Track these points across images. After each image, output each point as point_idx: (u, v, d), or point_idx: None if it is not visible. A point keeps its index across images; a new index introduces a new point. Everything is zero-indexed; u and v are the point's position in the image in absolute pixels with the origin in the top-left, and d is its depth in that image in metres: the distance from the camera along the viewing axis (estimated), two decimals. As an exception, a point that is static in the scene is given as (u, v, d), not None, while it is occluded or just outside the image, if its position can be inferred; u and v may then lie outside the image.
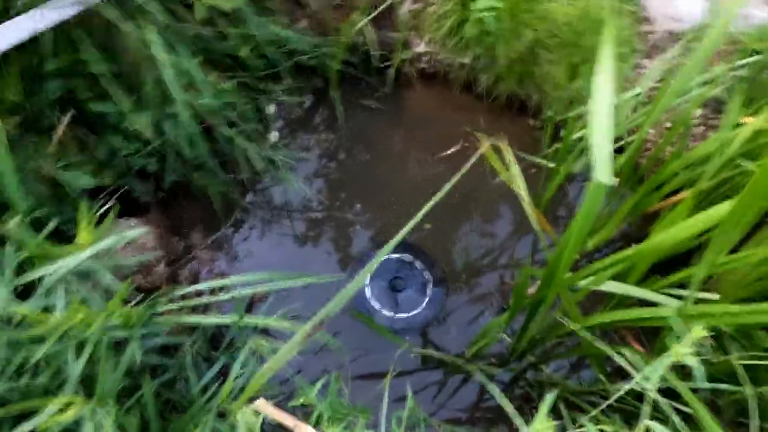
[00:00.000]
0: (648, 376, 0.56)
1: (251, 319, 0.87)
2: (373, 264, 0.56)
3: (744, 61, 1.36)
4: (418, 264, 1.74)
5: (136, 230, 0.78)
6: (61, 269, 0.68)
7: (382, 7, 2.13)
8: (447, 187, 0.58)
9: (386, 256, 1.72)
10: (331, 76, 2.14)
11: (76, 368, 0.64)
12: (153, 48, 1.40)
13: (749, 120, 1.40)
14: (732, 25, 1.73)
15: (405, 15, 2.20)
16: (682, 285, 1.35)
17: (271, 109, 1.92)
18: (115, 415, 0.61)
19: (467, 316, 1.71)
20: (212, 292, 1.11)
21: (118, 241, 0.72)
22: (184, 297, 0.96)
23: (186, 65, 1.50)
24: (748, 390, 0.66)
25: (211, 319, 0.83)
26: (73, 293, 0.70)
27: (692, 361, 0.50)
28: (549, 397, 0.59)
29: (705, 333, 0.51)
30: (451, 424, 1.30)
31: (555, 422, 0.53)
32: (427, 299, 1.67)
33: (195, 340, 0.96)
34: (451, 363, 1.61)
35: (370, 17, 2.03)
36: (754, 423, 0.60)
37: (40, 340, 0.64)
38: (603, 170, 0.87)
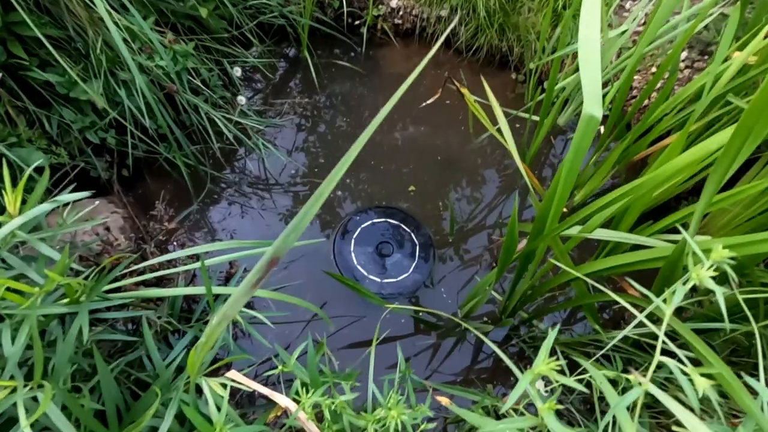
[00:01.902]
0: (654, 313, 0.51)
1: (218, 289, 0.80)
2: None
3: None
4: (404, 228, 1.68)
5: (73, 195, 0.69)
6: (-11, 241, 0.60)
7: (350, -41, 1.99)
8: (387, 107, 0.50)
9: (372, 221, 1.66)
10: (302, 36, 2.02)
11: (12, 349, 0.56)
12: (98, 7, 1.27)
13: (737, 54, 1.33)
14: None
15: (376, -33, 2.07)
16: (672, 231, 1.32)
17: (237, 72, 1.80)
18: (56, 396, 0.54)
19: (457, 277, 1.67)
20: (184, 265, 1.03)
21: (50, 207, 0.64)
22: (150, 270, 0.88)
23: (138, 26, 1.37)
24: (755, 326, 0.62)
25: (169, 290, 0.76)
26: (8, 269, 0.62)
27: (712, 284, 0.44)
28: (549, 337, 0.54)
29: (726, 252, 0.45)
30: (446, 386, 1.26)
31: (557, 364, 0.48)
32: (415, 263, 1.62)
33: (161, 315, 0.89)
34: (443, 324, 1.57)
35: (337, -30, 1.89)
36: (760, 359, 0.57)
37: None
38: (592, 102, 0.80)
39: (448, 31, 1.34)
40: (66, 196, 0.68)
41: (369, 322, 1.54)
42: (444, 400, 0.95)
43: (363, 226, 1.66)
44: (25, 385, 0.56)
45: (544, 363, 0.48)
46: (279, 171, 1.83)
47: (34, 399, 0.56)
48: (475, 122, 1.67)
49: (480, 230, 1.80)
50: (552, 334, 0.54)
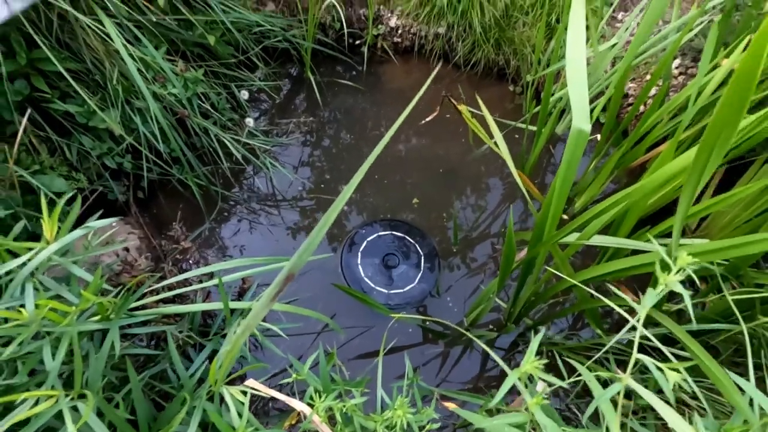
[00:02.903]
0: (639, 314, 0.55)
1: (235, 304, 0.86)
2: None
3: (714, 2, 1.33)
4: (409, 239, 1.73)
5: (104, 220, 0.75)
6: (28, 265, 0.65)
7: (349, -17, 2.08)
8: (396, 125, 0.56)
9: (377, 234, 1.71)
10: (305, 58, 2.10)
11: (52, 363, 0.62)
12: (114, 41, 1.35)
13: (725, 62, 1.38)
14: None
15: (374, -11, 2.15)
16: (670, 235, 1.35)
17: (244, 95, 1.88)
18: (97, 406, 0.59)
19: (462, 286, 1.71)
20: (201, 282, 1.09)
21: (85, 233, 0.69)
22: (168, 288, 0.94)
23: (151, 57, 1.45)
24: (743, 325, 0.65)
25: (190, 306, 0.81)
26: (45, 290, 0.68)
27: (679, 287, 0.49)
28: (536, 338, 0.58)
29: (691, 259, 0.50)
30: (455, 392, 1.30)
31: (546, 365, 0.52)
32: (420, 273, 1.66)
33: (182, 329, 0.94)
34: (450, 333, 1.61)
35: (338, -6, 1.98)
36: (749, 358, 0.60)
37: (11, 341, 0.61)
38: (580, 116, 0.85)
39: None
40: (95, 223, 0.74)
41: (377, 332, 1.58)
42: (450, 405, 0.99)
43: (369, 238, 1.71)
44: (66, 395, 0.61)
45: (530, 362, 0.52)
46: (286, 188, 1.89)
47: (74, 408, 0.61)
48: (474, 134, 1.73)
49: (483, 239, 1.85)
50: (538, 337, 0.58)
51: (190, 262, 1.27)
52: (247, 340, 0.90)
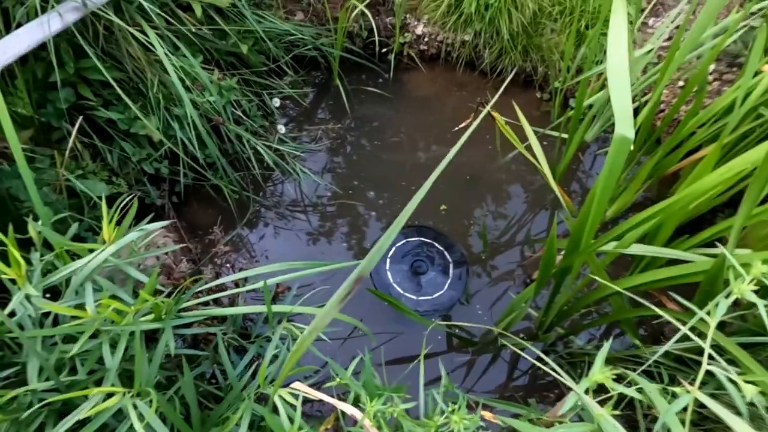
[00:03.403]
0: (699, 326, 0.54)
1: (279, 307, 0.87)
2: (395, 227, 0.55)
3: (758, 6, 1.30)
4: (437, 246, 1.72)
5: (156, 224, 0.78)
6: (88, 266, 0.68)
7: (377, -8, 2.11)
8: (456, 147, 0.56)
9: (405, 240, 1.71)
10: (333, 66, 2.13)
11: (112, 361, 0.64)
12: (156, 50, 1.40)
13: (766, 68, 1.35)
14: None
15: (402, -2, 2.18)
16: (709, 245, 1.32)
17: (276, 103, 1.91)
18: (157, 403, 0.61)
19: (491, 293, 1.70)
20: (236, 285, 1.11)
21: (139, 235, 0.72)
22: (209, 291, 0.96)
23: (189, 65, 1.50)
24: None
25: (239, 308, 0.83)
26: (102, 291, 0.70)
27: (753, 296, 0.48)
28: (605, 345, 0.57)
29: (765, 269, 0.49)
30: (487, 400, 1.28)
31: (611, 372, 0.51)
32: (449, 280, 1.66)
33: (225, 331, 0.96)
34: (479, 341, 1.59)
35: (365, 3, 2.01)
36: None
37: (73, 338, 0.64)
38: (624, 123, 0.84)
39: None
40: (149, 226, 0.77)
41: (406, 338, 1.58)
42: (488, 415, 0.98)
43: (397, 245, 1.71)
44: (127, 393, 0.63)
45: (599, 371, 0.51)
46: (313, 193, 1.92)
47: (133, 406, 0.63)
48: (502, 140, 1.72)
49: (511, 246, 1.83)
50: (606, 345, 0.57)
51: (228, 265, 1.30)
52: (289, 342, 0.91)
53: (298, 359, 0.63)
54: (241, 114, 1.74)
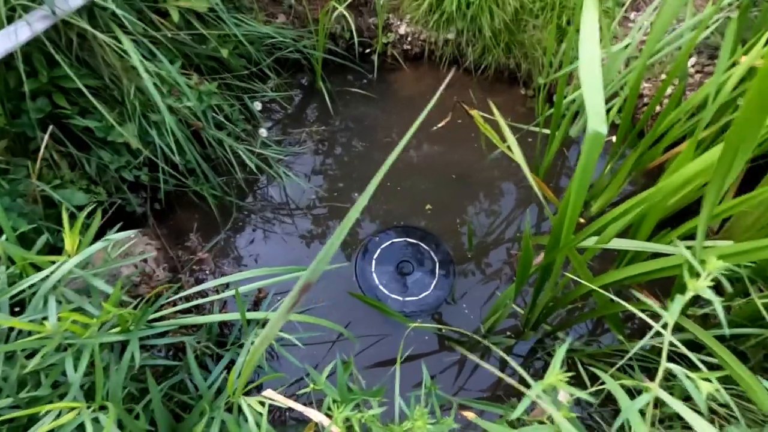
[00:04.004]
0: (665, 319, 0.53)
1: (252, 314, 0.86)
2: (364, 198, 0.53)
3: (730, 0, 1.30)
4: (423, 246, 1.72)
5: (122, 233, 0.77)
6: (51, 278, 0.67)
7: (358, -8, 2.10)
8: (411, 131, 0.55)
9: (391, 241, 1.71)
10: (316, 68, 2.12)
11: (75, 375, 0.63)
12: (131, 57, 1.38)
13: (744, 59, 1.35)
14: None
15: (383, -2, 2.17)
16: (691, 237, 1.31)
17: (257, 106, 1.90)
18: (118, 418, 0.60)
19: (478, 293, 1.69)
20: (217, 291, 1.10)
21: (105, 245, 0.71)
22: (186, 299, 0.95)
23: (166, 71, 1.48)
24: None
25: (210, 317, 0.82)
26: (66, 303, 0.69)
27: (708, 293, 0.47)
28: (561, 349, 0.56)
29: (721, 263, 0.48)
30: (474, 401, 1.28)
31: (569, 376, 0.51)
32: (435, 280, 1.65)
33: (199, 340, 0.95)
34: (467, 340, 1.59)
35: (346, 4, 2.00)
36: None
37: (35, 353, 0.63)
38: (596, 119, 0.84)
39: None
40: (115, 236, 0.76)
41: (393, 340, 1.57)
42: (469, 415, 0.97)
43: (383, 246, 1.71)
44: (88, 407, 0.62)
45: (554, 375, 0.51)
46: (299, 196, 1.90)
47: (95, 420, 0.62)
48: (487, 138, 1.72)
49: (498, 244, 1.83)
50: (563, 348, 0.56)
51: (207, 272, 1.29)
52: (265, 350, 0.89)
53: (253, 366, 0.62)
54: (222, 119, 1.73)
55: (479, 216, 1.88)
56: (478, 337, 1.38)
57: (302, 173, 1.95)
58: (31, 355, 0.66)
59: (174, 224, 1.77)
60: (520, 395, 1.54)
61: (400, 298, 1.61)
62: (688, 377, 0.46)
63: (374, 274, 1.65)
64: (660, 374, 0.48)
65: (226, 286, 1.29)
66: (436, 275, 1.66)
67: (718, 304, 0.49)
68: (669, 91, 1.89)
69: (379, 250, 1.70)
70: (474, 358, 1.25)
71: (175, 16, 1.59)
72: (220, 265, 1.65)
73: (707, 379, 0.45)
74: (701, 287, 0.48)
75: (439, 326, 1.57)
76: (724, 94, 1.22)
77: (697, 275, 0.49)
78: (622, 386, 0.66)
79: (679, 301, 0.49)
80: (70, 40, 1.36)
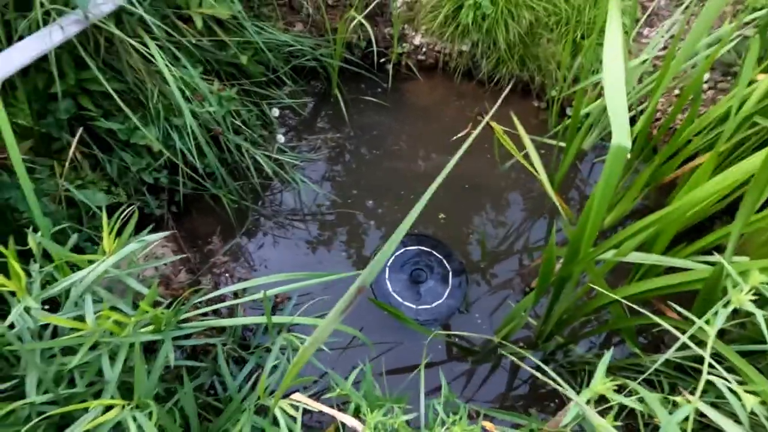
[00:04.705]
0: (699, 334, 0.54)
1: (280, 318, 0.87)
2: (398, 236, 0.55)
3: (751, 17, 1.33)
4: (436, 255, 1.72)
5: (155, 234, 0.78)
6: (88, 277, 0.68)
7: (374, 3, 2.13)
8: (456, 157, 0.57)
9: (404, 249, 1.72)
10: (332, 76, 2.15)
11: (112, 373, 0.64)
12: (156, 61, 1.41)
13: (762, 77, 1.37)
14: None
15: (399, 8, 2.20)
16: (707, 252, 1.32)
17: (275, 113, 1.93)
18: (157, 416, 0.61)
19: (490, 302, 1.70)
20: (236, 295, 1.11)
21: (140, 246, 0.72)
22: (208, 302, 0.96)
23: (189, 76, 1.51)
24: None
25: (239, 320, 0.82)
26: (102, 302, 0.70)
27: (751, 306, 0.48)
28: (604, 358, 0.57)
29: (764, 278, 0.49)
30: (487, 410, 1.28)
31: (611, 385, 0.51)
32: (448, 289, 1.65)
33: (225, 342, 0.96)
34: (479, 350, 1.59)
35: (364, 14, 2.03)
36: None
37: (72, 351, 0.63)
38: (621, 133, 0.85)
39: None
40: (149, 237, 0.77)
41: (406, 348, 1.57)
42: (488, 425, 0.97)
43: (396, 253, 1.72)
44: (127, 405, 0.63)
45: (601, 382, 0.51)
46: (312, 202, 1.92)
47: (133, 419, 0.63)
48: (500, 149, 1.73)
49: (510, 255, 1.83)
50: (608, 355, 0.57)
51: (227, 275, 1.30)
52: (289, 352, 0.90)
53: (299, 370, 0.62)
54: (240, 124, 1.75)
55: (491, 226, 1.89)
56: (495, 343, 1.38)
57: (316, 179, 1.97)
58: (65, 354, 0.67)
59: (190, 227, 1.79)
60: (534, 405, 1.54)
61: (414, 306, 1.61)
62: (731, 390, 0.47)
63: (388, 282, 1.66)
64: (700, 386, 0.49)
65: (244, 290, 1.30)
66: (449, 284, 1.67)
67: (760, 316, 0.50)
68: (682, 107, 1.90)
69: (392, 258, 1.70)
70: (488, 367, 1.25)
71: (199, 23, 1.62)
72: (234, 269, 1.66)
73: (753, 392, 0.45)
74: (744, 300, 0.48)
75: (454, 333, 1.58)
76: (745, 109, 1.23)
77: (738, 288, 0.50)
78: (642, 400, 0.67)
79: (723, 313, 0.50)
80: (97, 44, 1.39)
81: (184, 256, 1.49)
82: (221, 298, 1.16)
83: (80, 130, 1.23)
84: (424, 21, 2.22)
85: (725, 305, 0.50)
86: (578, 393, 0.62)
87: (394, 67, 2.28)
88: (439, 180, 0.53)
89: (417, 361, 1.55)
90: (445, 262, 1.71)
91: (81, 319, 0.71)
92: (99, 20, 1.27)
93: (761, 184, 0.74)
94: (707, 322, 0.58)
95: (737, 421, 0.55)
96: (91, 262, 0.72)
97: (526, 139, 1.30)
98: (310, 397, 1.30)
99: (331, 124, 2.17)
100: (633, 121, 1.75)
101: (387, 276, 1.66)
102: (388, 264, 1.69)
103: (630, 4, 1.79)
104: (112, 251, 0.71)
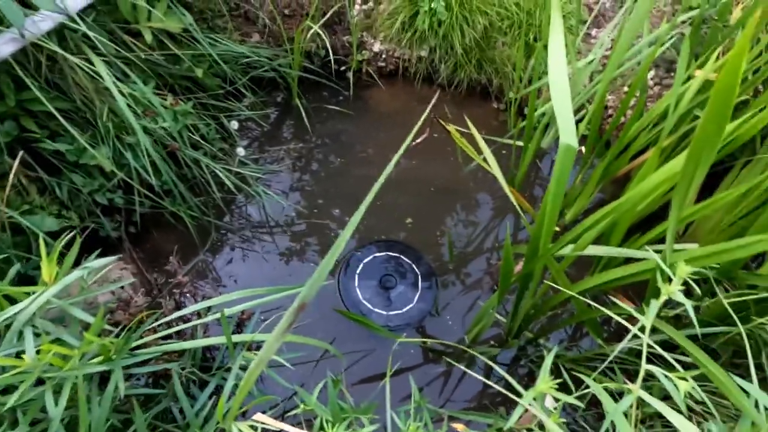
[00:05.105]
0: (643, 322, 0.56)
1: (238, 337, 0.84)
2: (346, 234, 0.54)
3: (684, 17, 1.40)
4: (405, 260, 1.73)
5: (104, 259, 0.75)
6: (28, 310, 0.64)
7: (331, 12, 2.13)
8: (401, 150, 0.57)
9: (373, 255, 1.71)
10: (292, 86, 2.13)
11: (55, 410, 0.60)
12: (103, 79, 1.36)
13: (698, 72, 1.44)
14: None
15: (357, 16, 2.21)
16: (662, 241, 1.38)
17: (234, 125, 1.89)
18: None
19: (461, 303, 1.71)
20: (199, 315, 1.08)
21: (83, 273, 0.69)
22: (169, 324, 0.92)
23: (140, 92, 1.47)
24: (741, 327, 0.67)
25: (194, 342, 0.80)
26: (45, 335, 0.67)
27: (680, 296, 0.50)
28: (548, 357, 0.59)
29: (689, 268, 0.51)
30: (461, 412, 1.29)
31: (557, 382, 0.53)
32: (418, 293, 1.66)
33: (183, 366, 0.93)
34: (452, 352, 1.60)
35: (320, 23, 2.03)
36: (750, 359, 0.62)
37: (12, 388, 0.60)
38: (567, 133, 0.88)
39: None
40: (93, 263, 0.74)
41: (379, 355, 1.57)
42: (460, 427, 0.98)
43: (365, 261, 1.71)
44: (69, 444, 0.59)
45: (544, 382, 0.53)
46: (278, 214, 1.89)
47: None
48: (463, 152, 1.76)
49: (479, 254, 1.86)
50: (550, 355, 0.59)
51: (188, 295, 1.26)
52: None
53: (250, 389, 0.61)
54: (198, 138, 1.71)
55: (458, 227, 1.92)
56: (464, 347, 1.40)
57: (281, 191, 1.95)
58: (6, 392, 0.63)
59: (151, 247, 1.73)
60: (506, 404, 1.56)
61: (385, 313, 1.61)
62: (666, 377, 0.49)
63: (357, 290, 1.65)
64: (641, 376, 0.50)
65: (208, 309, 1.27)
66: (419, 288, 1.68)
67: (689, 305, 0.52)
68: (632, 102, 1.99)
69: (361, 265, 1.70)
70: (461, 368, 1.26)
71: (148, 37, 1.58)
72: (200, 286, 1.61)
73: (684, 378, 0.47)
74: (672, 291, 0.51)
75: (425, 339, 1.58)
76: (683, 105, 1.30)
77: (669, 279, 0.53)
78: (605, 389, 0.69)
79: (655, 305, 0.52)
80: (39, 63, 1.33)
81: (143, 278, 1.43)
82: (184, 319, 1.12)
83: (20, 154, 1.17)
84: (382, 28, 2.24)
85: (657, 297, 0.52)
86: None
87: (355, 75, 2.29)
88: (381, 180, 0.53)
89: (391, 368, 1.54)
90: (414, 266, 1.72)
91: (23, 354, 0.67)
92: (38, 38, 1.22)
93: (687, 177, 0.78)
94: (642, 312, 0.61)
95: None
96: (31, 293, 0.68)
97: (481, 141, 1.33)
98: (280, 415, 1.28)
99: (294, 134, 2.15)
100: (587, 119, 1.82)
101: (357, 284, 1.65)
102: (358, 272, 1.69)
103: (575, 6, 1.86)
104: (53, 281, 0.68)
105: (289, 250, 1.82)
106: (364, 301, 1.62)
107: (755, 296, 0.95)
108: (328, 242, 1.85)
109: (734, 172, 1.62)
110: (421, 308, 1.64)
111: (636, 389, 0.49)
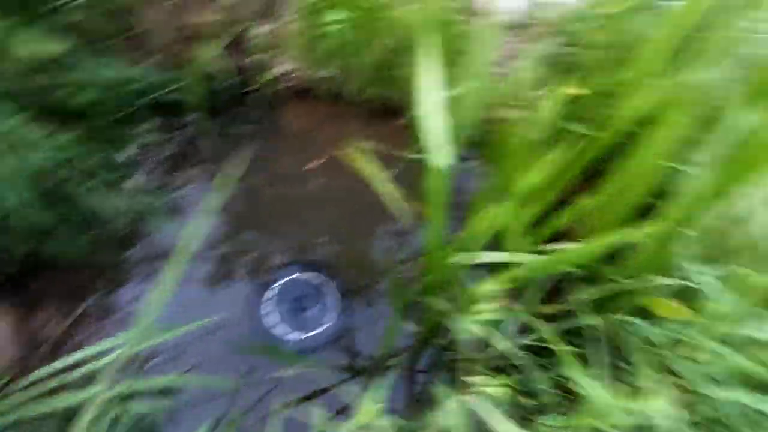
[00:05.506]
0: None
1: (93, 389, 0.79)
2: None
3: (551, 41, 1.57)
4: (316, 280, 1.74)
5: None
6: None
7: (235, 33, 2.11)
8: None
9: (286, 278, 1.70)
10: (195, 109, 2.07)
11: None
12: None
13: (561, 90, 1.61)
14: (551, 11, 1.99)
15: (261, 37, 2.20)
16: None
17: (129, 152, 1.80)
18: None
19: (376, 317, 1.75)
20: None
21: None
22: (37, 383, 0.85)
23: (9, 126, 1.35)
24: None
25: (59, 401, 0.74)
26: None
27: (487, 314, 0.56)
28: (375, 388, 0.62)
29: (497, 285, 0.58)
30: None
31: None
32: (333, 312, 1.67)
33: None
34: (370, 365, 1.63)
35: (224, 44, 2.00)
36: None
37: None
38: (438, 154, 0.95)
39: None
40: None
41: (301, 378, 1.55)
42: None
43: (273, 286, 1.69)
44: None
45: (365, 413, 0.56)
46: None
47: None
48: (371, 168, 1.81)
49: (392, 267, 1.91)
50: (377, 388, 0.62)
51: (79, 343, 1.16)
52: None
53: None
54: (86, 169, 1.60)
55: (370, 243, 1.96)
56: (380, 359, 1.43)
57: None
58: None
59: (37, 288, 1.58)
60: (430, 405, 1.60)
61: (298, 336, 1.60)
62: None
63: (269, 315, 1.63)
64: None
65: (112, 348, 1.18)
66: (334, 307, 1.69)
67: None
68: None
69: (273, 289, 1.68)
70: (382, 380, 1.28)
71: (19, 63, 1.46)
72: (94, 331, 1.50)
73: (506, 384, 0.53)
74: (484, 310, 0.57)
75: (336, 359, 1.59)
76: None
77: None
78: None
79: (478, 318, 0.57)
80: None
81: (21, 327, 1.30)
82: (71, 368, 1.04)
83: None
84: (289, 48, 2.25)
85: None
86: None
87: (264, 95, 2.27)
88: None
89: (312, 389, 1.53)
90: (325, 285, 1.73)
91: None
92: None
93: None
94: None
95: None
96: None
97: (375, 166, 1.39)
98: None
99: (199, 158, 2.08)
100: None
101: (267, 311, 1.63)
102: (268, 297, 1.67)
103: (462, 29, 1.99)
104: None
105: (203, 275, 1.75)
106: (276, 327, 1.61)
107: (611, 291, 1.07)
108: (240, 268, 1.81)
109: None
110: (335, 327, 1.65)
111: (465, 399, 0.54)
